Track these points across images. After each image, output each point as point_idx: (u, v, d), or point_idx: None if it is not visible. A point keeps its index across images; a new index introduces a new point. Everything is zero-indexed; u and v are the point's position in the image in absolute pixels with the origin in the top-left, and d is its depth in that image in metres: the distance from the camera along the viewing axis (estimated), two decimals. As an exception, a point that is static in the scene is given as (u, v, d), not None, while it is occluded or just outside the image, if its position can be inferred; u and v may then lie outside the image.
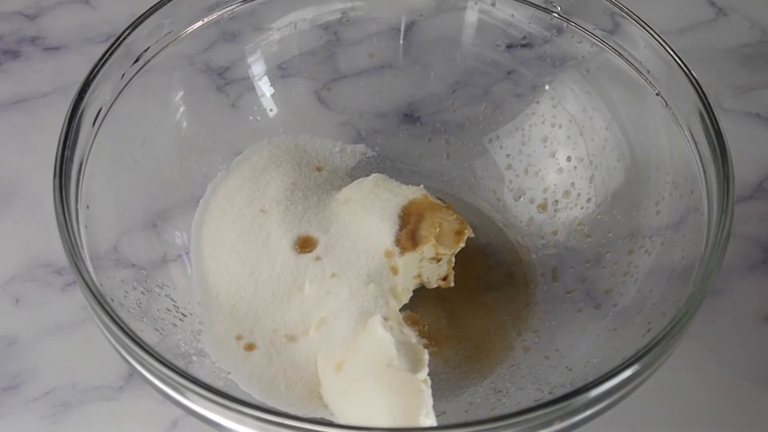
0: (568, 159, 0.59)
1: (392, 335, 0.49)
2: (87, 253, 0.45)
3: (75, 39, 0.71)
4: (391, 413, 0.46)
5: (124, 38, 0.52)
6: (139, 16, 0.53)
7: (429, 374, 0.48)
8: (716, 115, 0.50)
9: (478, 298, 0.56)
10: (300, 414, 0.48)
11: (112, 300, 0.44)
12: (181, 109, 0.58)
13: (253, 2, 0.59)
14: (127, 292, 0.50)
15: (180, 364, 0.46)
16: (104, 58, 0.51)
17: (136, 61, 0.54)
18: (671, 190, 0.53)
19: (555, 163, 0.60)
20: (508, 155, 0.61)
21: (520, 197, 0.60)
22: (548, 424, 0.40)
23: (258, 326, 0.52)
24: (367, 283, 0.52)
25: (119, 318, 0.42)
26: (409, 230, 0.54)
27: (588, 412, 0.41)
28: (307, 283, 0.53)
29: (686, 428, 0.53)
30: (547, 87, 0.60)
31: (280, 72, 0.61)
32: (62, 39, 0.71)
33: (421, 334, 0.53)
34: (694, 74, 0.52)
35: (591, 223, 0.57)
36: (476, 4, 0.60)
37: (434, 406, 0.47)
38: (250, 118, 0.61)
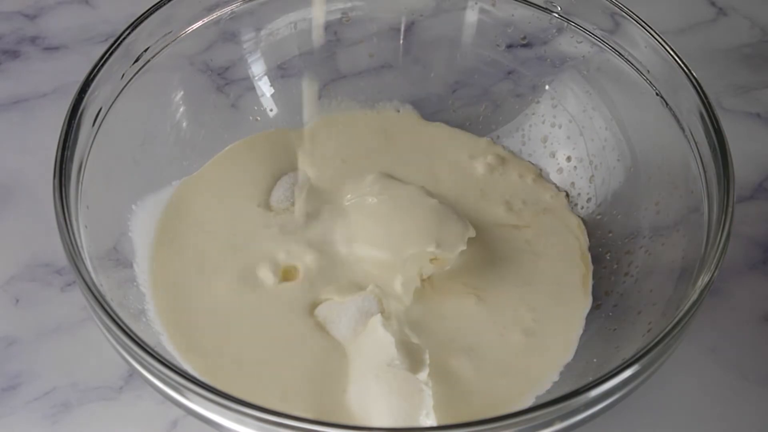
0: (568, 159, 0.59)
1: (392, 335, 0.49)
2: (87, 253, 0.45)
3: (75, 39, 0.71)
4: (391, 413, 0.46)
5: (124, 38, 0.52)
6: (139, 16, 0.53)
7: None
8: (716, 115, 0.50)
9: (478, 298, 0.56)
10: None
11: (112, 300, 0.44)
12: (181, 109, 0.58)
13: (253, 2, 0.59)
14: (127, 292, 0.50)
15: (180, 364, 0.46)
16: (104, 58, 0.51)
17: (136, 61, 0.54)
18: (671, 190, 0.53)
19: (555, 163, 0.60)
20: (508, 155, 0.61)
21: (520, 197, 0.60)
22: (548, 424, 0.40)
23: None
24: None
25: (119, 318, 0.42)
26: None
27: (588, 412, 0.41)
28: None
29: (686, 428, 0.53)
30: (547, 87, 0.60)
31: (280, 72, 0.62)
32: (62, 39, 0.71)
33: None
34: (694, 74, 0.52)
35: (591, 223, 0.57)
36: (476, 4, 0.60)
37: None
38: (250, 118, 0.61)
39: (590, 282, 0.54)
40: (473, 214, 0.56)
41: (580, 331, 0.52)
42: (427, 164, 0.59)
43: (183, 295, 0.52)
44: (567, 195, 0.59)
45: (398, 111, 0.62)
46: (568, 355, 0.51)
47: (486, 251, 0.55)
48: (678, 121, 0.52)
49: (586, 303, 0.53)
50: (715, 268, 0.44)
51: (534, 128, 0.61)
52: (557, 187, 0.59)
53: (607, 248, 0.56)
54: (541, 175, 0.59)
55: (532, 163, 0.60)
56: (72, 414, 0.52)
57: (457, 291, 0.53)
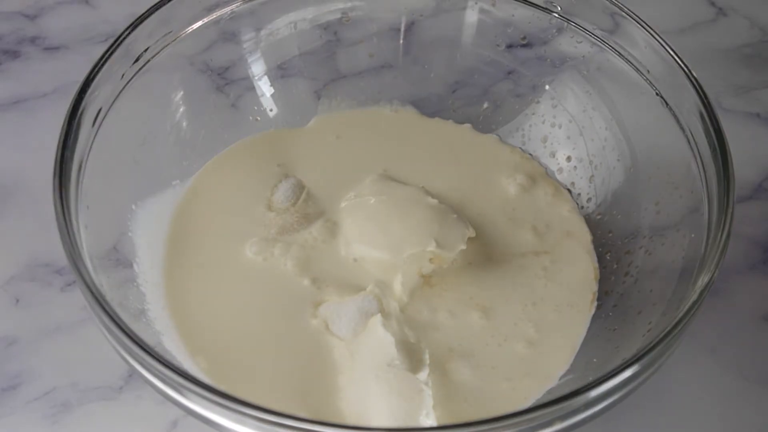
0: (568, 159, 0.59)
1: (392, 335, 0.49)
2: (87, 253, 0.45)
3: (75, 39, 0.71)
4: (392, 413, 0.46)
5: (124, 38, 0.52)
6: (139, 16, 0.53)
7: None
8: (716, 115, 0.50)
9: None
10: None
11: (112, 300, 0.44)
12: (181, 109, 0.58)
13: (253, 2, 0.59)
14: (127, 292, 0.50)
15: (180, 364, 0.46)
16: (104, 58, 0.51)
17: (136, 61, 0.54)
18: (671, 190, 0.53)
19: (555, 163, 0.60)
20: (508, 155, 0.61)
21: (520, 197, 0.60)
22: (548, 424, 0.40)
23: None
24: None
25: (119, 318, 0.42)
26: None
27: (588, 412, 0.41)
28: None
29: (686, 428, 0.53)
30: (547, 87, 0.60)
31: (280, 72, 0.62)
32: (62, 39, 0.71)
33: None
34: (694, 74, 0.52)
35: (591, 223, 0.57)
36: (476, 4, 0.60)
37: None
38: (250, 118, 0.61)
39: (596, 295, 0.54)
40: (501, 246, 0.56)
41: (583, 336, 0.52)
42: (446, 169, 0.59)
43: (190, 296, 0.52)
44: (570, 192, 0.59)
45: (398, 111, 0.62)
46: (569, 357, 0.51)
47: (503, 277, 0.54)
48: (678, 121, 0.52)
49: (590, 312, 0.53)
50: (715, 268, 0.44)
51: (534, 128, 0.61)
52: (559, 184, 0.59)
53: (607, 248, 0.56)
54: (546, 174, 0.59)
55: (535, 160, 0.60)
56: (72, 414, 0.52)
57: (463, 304, 0.53)
